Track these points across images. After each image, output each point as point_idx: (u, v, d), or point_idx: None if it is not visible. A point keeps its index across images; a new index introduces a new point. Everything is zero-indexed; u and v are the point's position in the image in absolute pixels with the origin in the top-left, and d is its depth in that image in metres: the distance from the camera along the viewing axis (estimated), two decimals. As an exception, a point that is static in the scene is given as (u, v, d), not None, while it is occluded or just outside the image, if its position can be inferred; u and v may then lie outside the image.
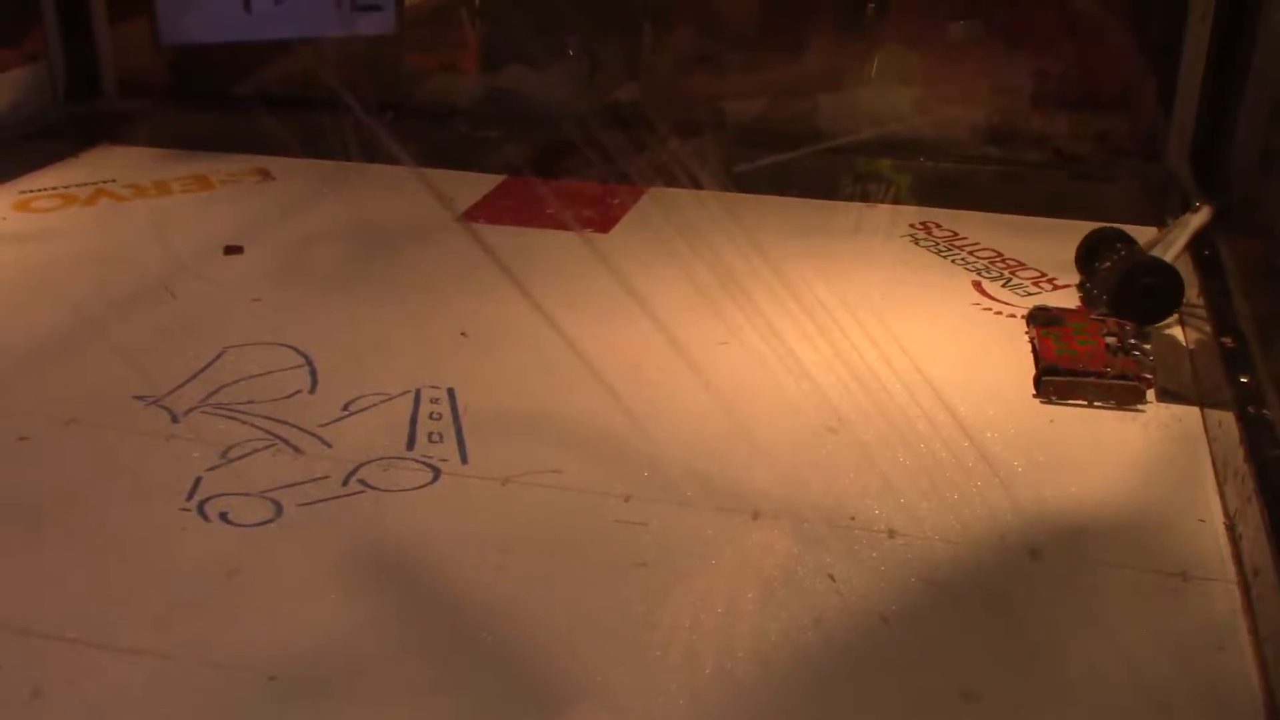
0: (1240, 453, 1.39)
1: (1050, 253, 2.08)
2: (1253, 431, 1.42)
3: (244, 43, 2.73)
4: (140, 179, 2.46)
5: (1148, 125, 2.43)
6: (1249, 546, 1.28)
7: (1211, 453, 1.50)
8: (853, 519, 1.36)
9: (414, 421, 1.55)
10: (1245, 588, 1.25)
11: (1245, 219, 2.09)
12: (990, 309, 1.90)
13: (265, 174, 2.50)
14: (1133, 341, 1.72)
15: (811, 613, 1.21)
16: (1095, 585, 1.27)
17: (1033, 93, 2.53)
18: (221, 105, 2.80)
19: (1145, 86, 2.49)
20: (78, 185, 2.42)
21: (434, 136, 2.60)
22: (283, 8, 2.69)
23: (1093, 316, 1.80)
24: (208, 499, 1.38)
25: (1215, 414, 1.54)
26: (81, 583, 1.25)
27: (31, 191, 2.38)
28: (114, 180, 2.45)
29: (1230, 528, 1.35)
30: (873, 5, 2.86)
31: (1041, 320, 1.78)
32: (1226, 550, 1.32)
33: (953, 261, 2.08)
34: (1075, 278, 1.99)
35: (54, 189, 2.40)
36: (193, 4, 2.68)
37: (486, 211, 2.30)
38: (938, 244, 2.15)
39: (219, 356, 1.72)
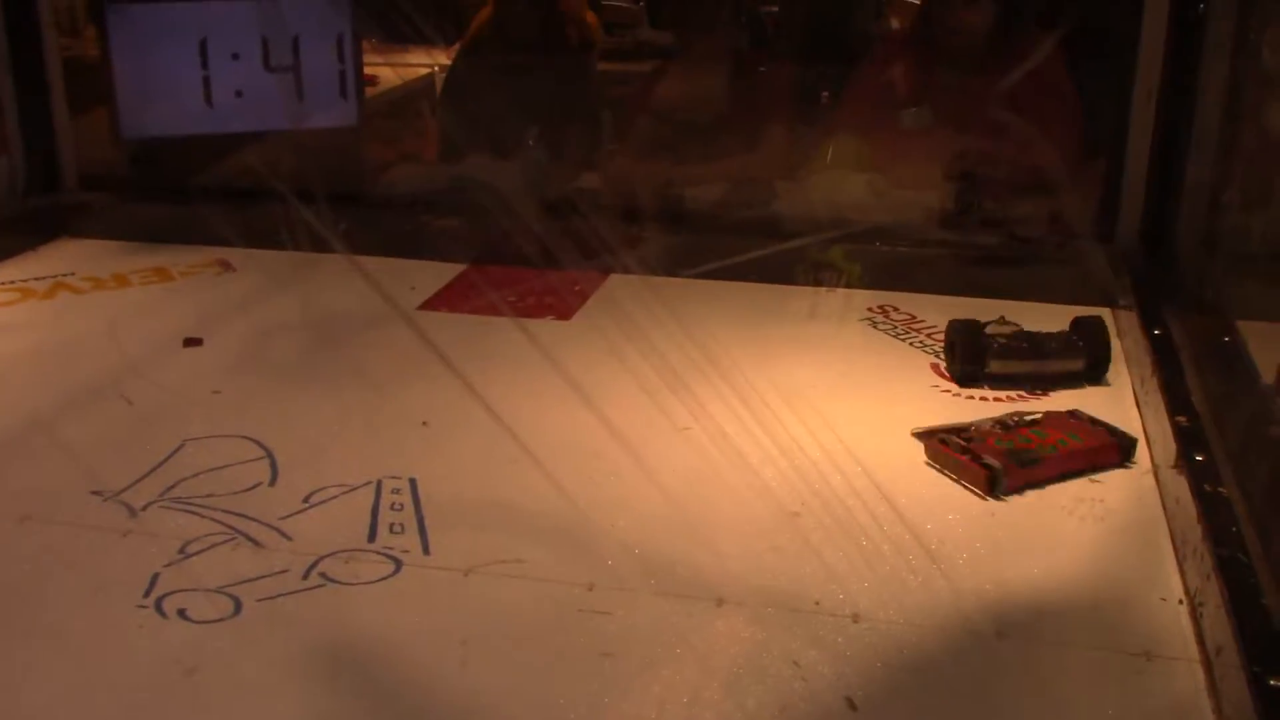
0: (1198, 530, 1.40)
1: (1006, 334, 2.11)
2: (1210, 509, 1.43)
3: (205, 136, 2.75)
4: (99, 272, 2.45)
5: (1097, 206, 2.48)
6: (1210, 624, 1.29)
7: (1170, 531, 1.52)
8: (817, 604, 1.36)
9: (375, 512, 1.54)
10: (1208, 666, 1.25)
11: (1194, 297, 2.13)
12: (949, 391, 1.92)
13: (225, 265, 2.50)
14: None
15: (777, 700, 1.20)
16: (1059, 666, 1.27)
17: (984, 177, 2.58)
18: (182, 198, 2.81)
19: (1094, 168, 2.55)
20: (36, 279, 2.41)
21: (394, 226, 2.61)
22: (244, 101, 2.72)
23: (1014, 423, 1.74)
24: (165, 595, 1.36)
25: (1172, 492, 1.56)
26: (36, 684, 1.22)
27: (-11, 285, 2.37)
28: (73, 273, 2.44)
29: (1191, 606, 1.36)
30: (827, 94, 2.92)
31: (1024, 461, 1.63)
32: (1189, 629, 1.32)
33: (911, 344, 2.10)
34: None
35: (12, 283, 2.39)
36: (154, 98, 2.70)
37: (447, 300, 2.31)
38: (896, 327, 2.18)
39: (178, 449, 1.70)
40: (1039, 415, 1.75)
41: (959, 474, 1.63)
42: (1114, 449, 1.68)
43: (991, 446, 1.64)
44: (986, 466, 1.59)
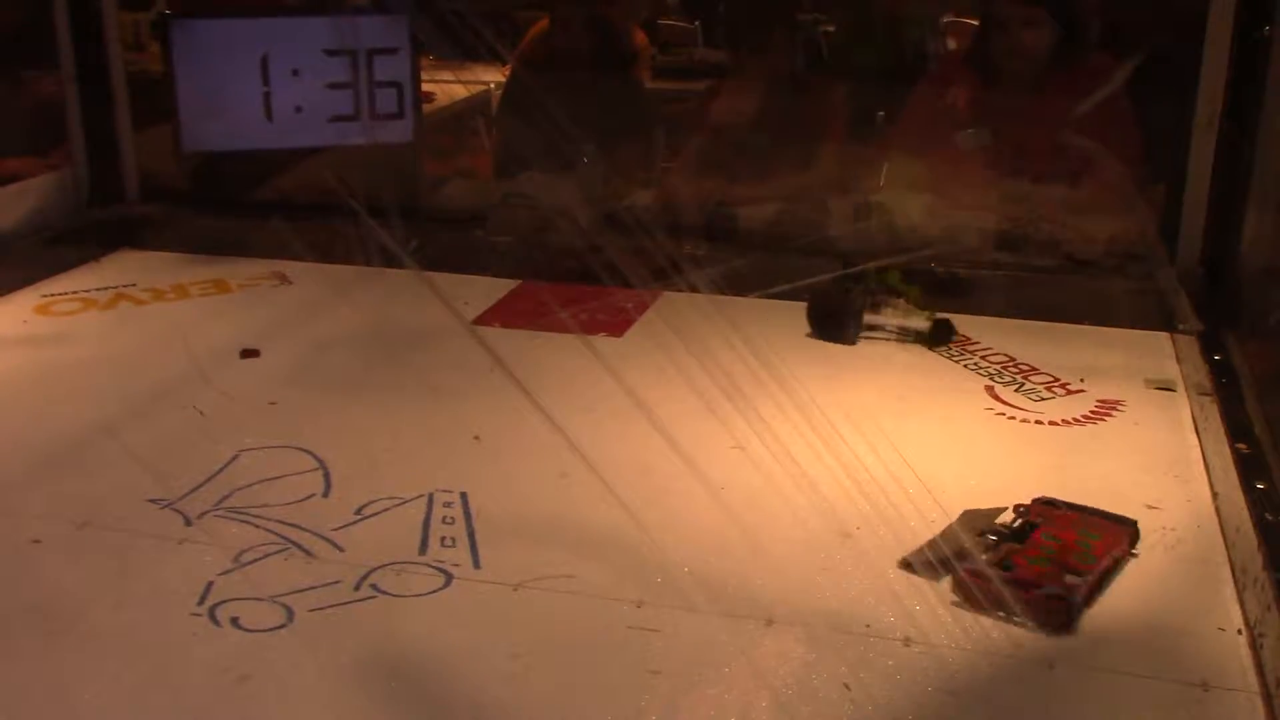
0: (1259, 560, 1.38)
1: (1062, 357, 2.09)
2: (1270, 539, 1.41)
3: (264, 150, 2.79)
4: (159, 283, 2.48)
5: (1157, 230, 2.46)
6: (1270, 656, 1.27)
7: (1230, 560, 1.49)
8: (868, 626, 1.34)
9: (426, 526, 1.55)
10: (1268, 698, 1.23)
11: (1256, 323, 2.09)
12: (1004, 414, 1.90)
13: (282, 278, 2.53)
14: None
15: (827, 723, 1.19)
16: (1114, 695, 1.25)
17: (1041, 199, 2.56)
18: (241, 211, 2.85)
19: (1154, 192, 2.53)
20: (98, 289, 2.45)
21: (449, 241, 2.63)
22: (303, 116, 2.75)
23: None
24: (219, 603, 1.37)
25: (1232, 521, 1.53)
26: (91, 689, 1.24)
27: (52, 295, 2.41)
28: (134, 284, 2.48)
29: (1251, 636, 1.33)
30: (882, 114, 2.92)
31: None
32: (1248, 659, 1.30)
33: (965, 366, 2.09)
34: (1090, 384, 2.00)
35: (74, 293, 2.43)
36: (215, 113, 2.74)
37: (500, 315, 2.32)
38: (950, 349, 2.16)
39: (234, 459, 1.72)
40: (1017, 520, 1.49)
41: (1026, 613, 1.32)
42: (1125, 537, 1.47)
43: (1038, 569, 1.36)
44: (1060, 597, 1.33)
